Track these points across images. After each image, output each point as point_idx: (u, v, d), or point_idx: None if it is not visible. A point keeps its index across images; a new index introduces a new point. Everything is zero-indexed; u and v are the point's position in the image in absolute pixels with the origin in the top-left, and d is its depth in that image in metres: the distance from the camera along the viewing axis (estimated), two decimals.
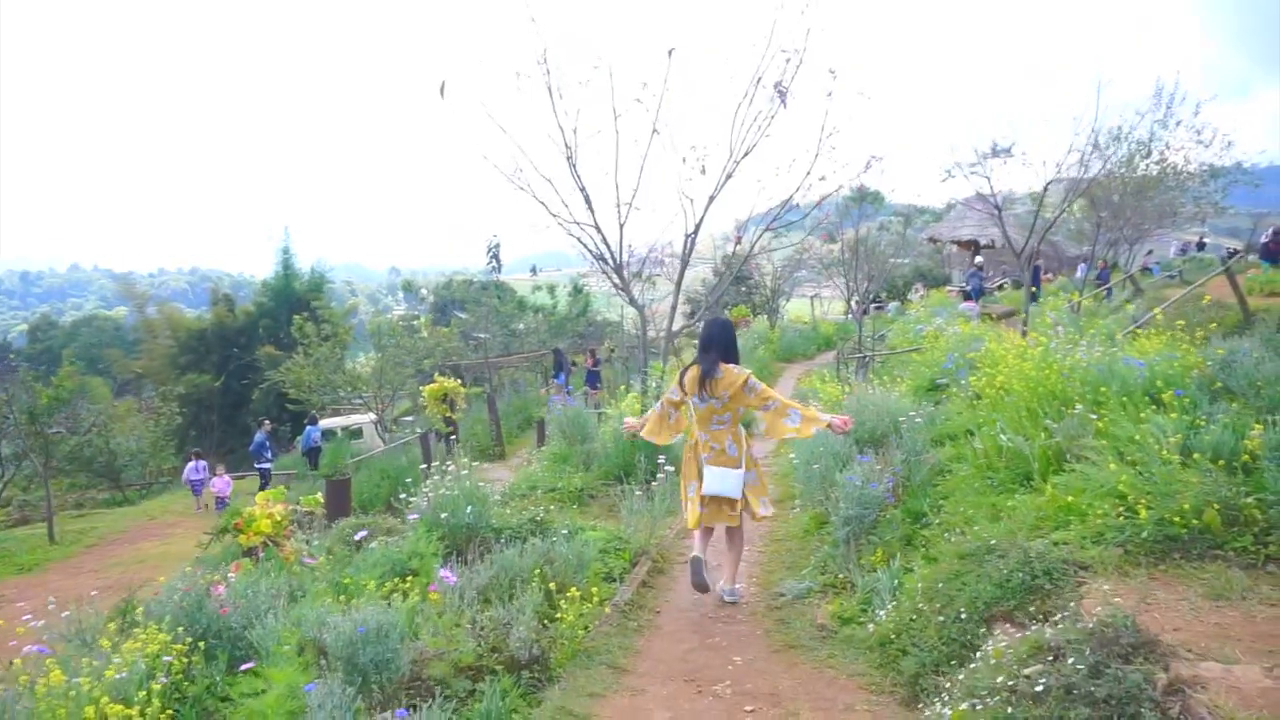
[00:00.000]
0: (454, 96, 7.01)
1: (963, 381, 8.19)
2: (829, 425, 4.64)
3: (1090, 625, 2.65)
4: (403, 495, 5.83)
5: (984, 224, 25.31)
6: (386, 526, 6.67)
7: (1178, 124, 18.55)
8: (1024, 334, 7.98)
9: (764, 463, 8.65)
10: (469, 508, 5.14)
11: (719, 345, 4.85)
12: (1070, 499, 3.81)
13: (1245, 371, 5.38)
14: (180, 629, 3.91)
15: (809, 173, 7.08)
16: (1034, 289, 18.46)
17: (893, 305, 25.51)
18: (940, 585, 3.73)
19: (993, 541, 3.78)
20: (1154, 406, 4.48)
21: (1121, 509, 3.68)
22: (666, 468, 5.83)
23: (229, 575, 4.84)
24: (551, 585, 4.30)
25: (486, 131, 6.87)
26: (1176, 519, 3.49)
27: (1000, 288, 25.28)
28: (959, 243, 27.24)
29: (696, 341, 5.34)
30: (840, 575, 4.81)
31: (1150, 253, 26.29)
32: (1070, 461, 4.37)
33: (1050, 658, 2.65)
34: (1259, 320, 9.53)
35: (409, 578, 4.57)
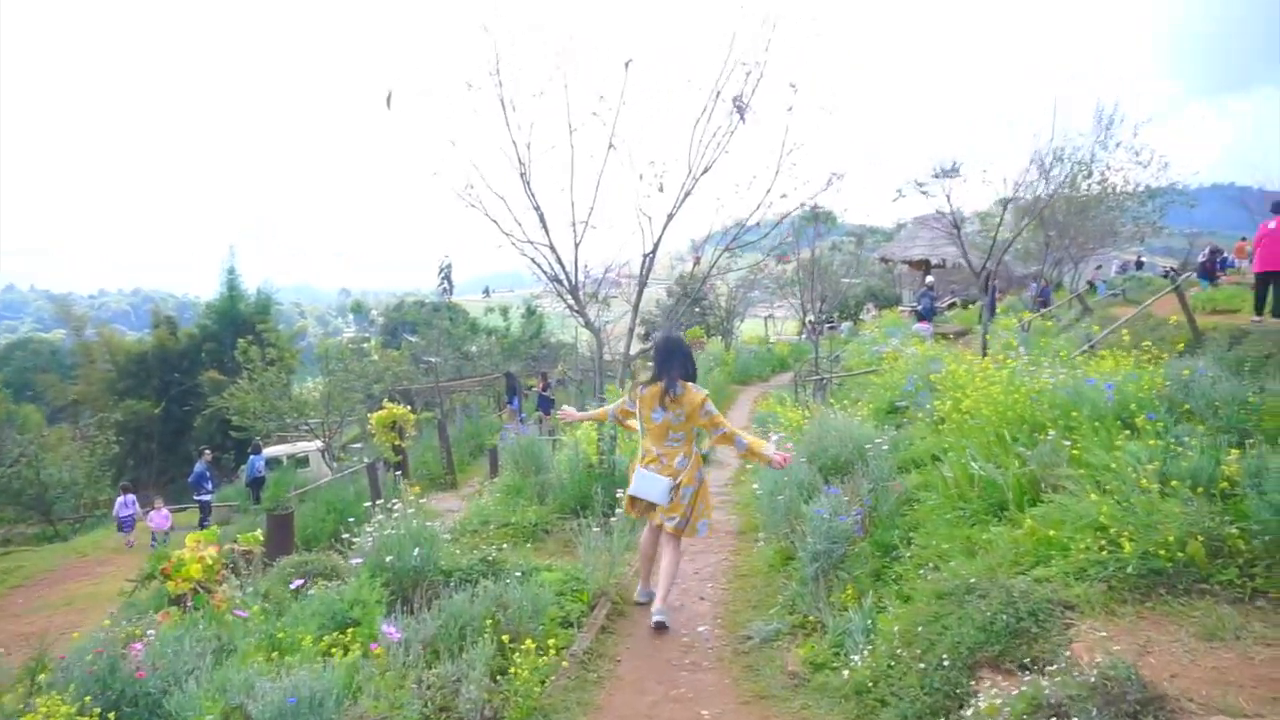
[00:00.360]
0: (402, 108, 6.72)
1: (925, 405, 8.09)
2: (770, 460, 4.82)
3: (1091, 679, 2.45)
4: (345, 535, 5.44)
5: (935, 243, 25.66)
6: (330, 565, 6.27)
7: (1117, 145, 19.12)
8: (984, 355, 7.89)
9: (725, 492, 8.44)
10: (415, 550, 4.80)
11: (679, 362, 4.88)
12: (1052, 533, 3.63)
13: (1203, 391, 5.34)
14: (88, 698, 3.50)
15: (770, 190, 6.92)
16: (1037, 309, 18.74)
17: (845, 325, 25.70)
18: (919, 628, 3.51)
19: (972, 580, 3.58)
20: (1126, 431, 4.35)
21: (1104, 542, 3.51)
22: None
23: (149, 632, 4.41)
24: (505, 638, 3.99)
25: (436, 146, 6.57)
26: (1161, 552, 3.33)
27: (950, 307, 25.60)
28: (910, 262, 27.57)
29: (650, 360, 5.31)
30: (810, 615, 4.58)
31: (1099, 268, 26.93)
32: (1046, 491, 4.21)
33: (1050, 716, 2.44)
34: (1208, 339, 9.64)
35: (350, 629, 4.21)
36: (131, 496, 18.19)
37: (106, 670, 3.71)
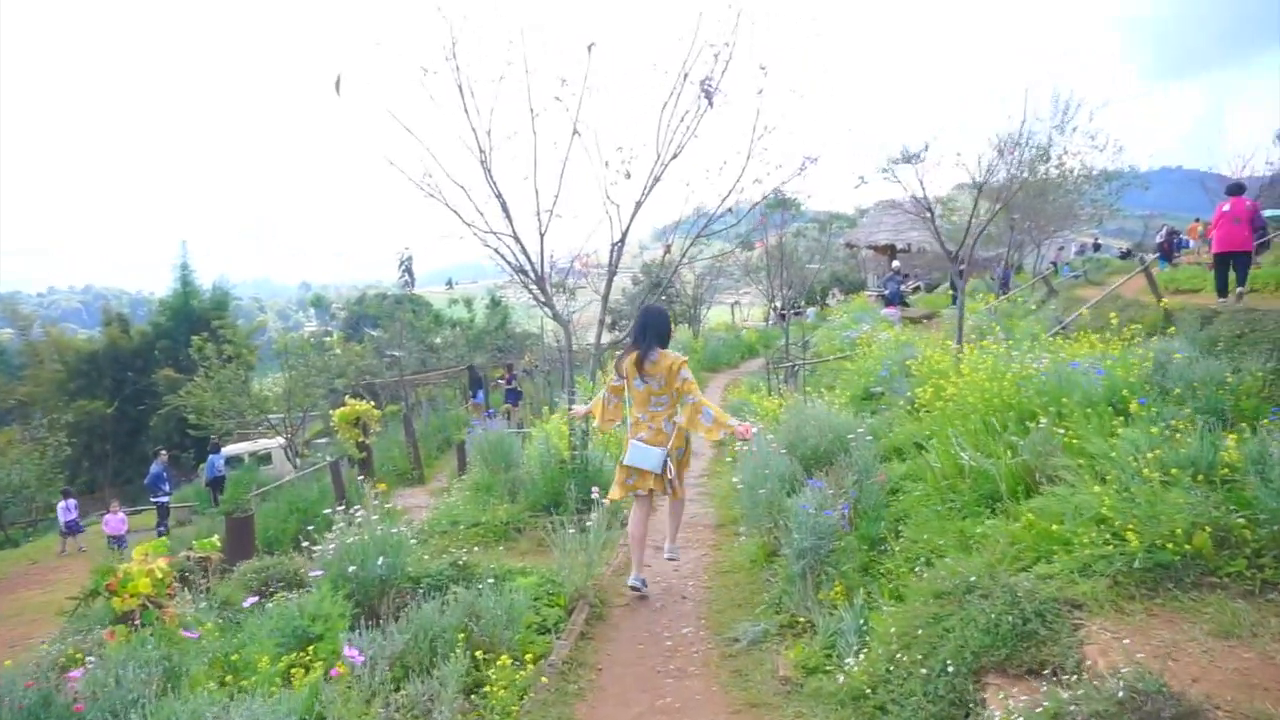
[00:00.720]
0: (355, 93, 6.38)
1: (902, 392, 7.96)
2: (734, 430, 4.94)
3: (1119, 693, 2.27)
4: (305, 544, 5.13)
5: (900, 228, 25.70)
6: (292, 571, 5.96)
7: (1074, 130, 19.23)
8: (959, 340, 7.78)
9: (702, 484, 8.24)
10: (380, 558, 4.52)
11: (654, 330, 5.15)
12: (1054, 527, 3.47)
13: (1179, 373, 5.25)
14: None
15: (741, 174, 6.69)
16: (998, 291, 18.80)
17: (811, 311, 25.63)
18: (918, 630, 3.33)
19: (972, 578, 3.40)
20: (1120, 417, 4.22)
21: (1109, 536, 3.36)
22: (603, 501, 5.33)
23: (89, 658, 4.08)
24: (478, 651, 3.74)
25: (392, 133, 6.23)
26: (1169, 545, 3.19)
27: (914, 291, 25.67)
28: (875, 247, 27.60)
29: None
30: (798, 614, 4.39)
31: (1062, 249, 27.21)
32: (1041, 482, 4.06)
33: None
34: (1177, 319, 9.65)
35: (311, 646, 3.93)
36: (73, 501, 17.56)
37: (40, 704, 3.39)
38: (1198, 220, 27.16)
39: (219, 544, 7.57)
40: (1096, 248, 34.12)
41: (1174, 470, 3.53)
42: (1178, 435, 3.84)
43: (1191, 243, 24.84)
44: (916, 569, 4.16)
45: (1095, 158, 20.29)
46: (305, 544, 5.08)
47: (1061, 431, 4.20)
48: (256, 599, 4.52)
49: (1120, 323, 6.80)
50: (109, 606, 5.52)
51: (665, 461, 5.04)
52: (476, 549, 5.93)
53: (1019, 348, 6.08)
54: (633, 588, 5.17)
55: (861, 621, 3.92)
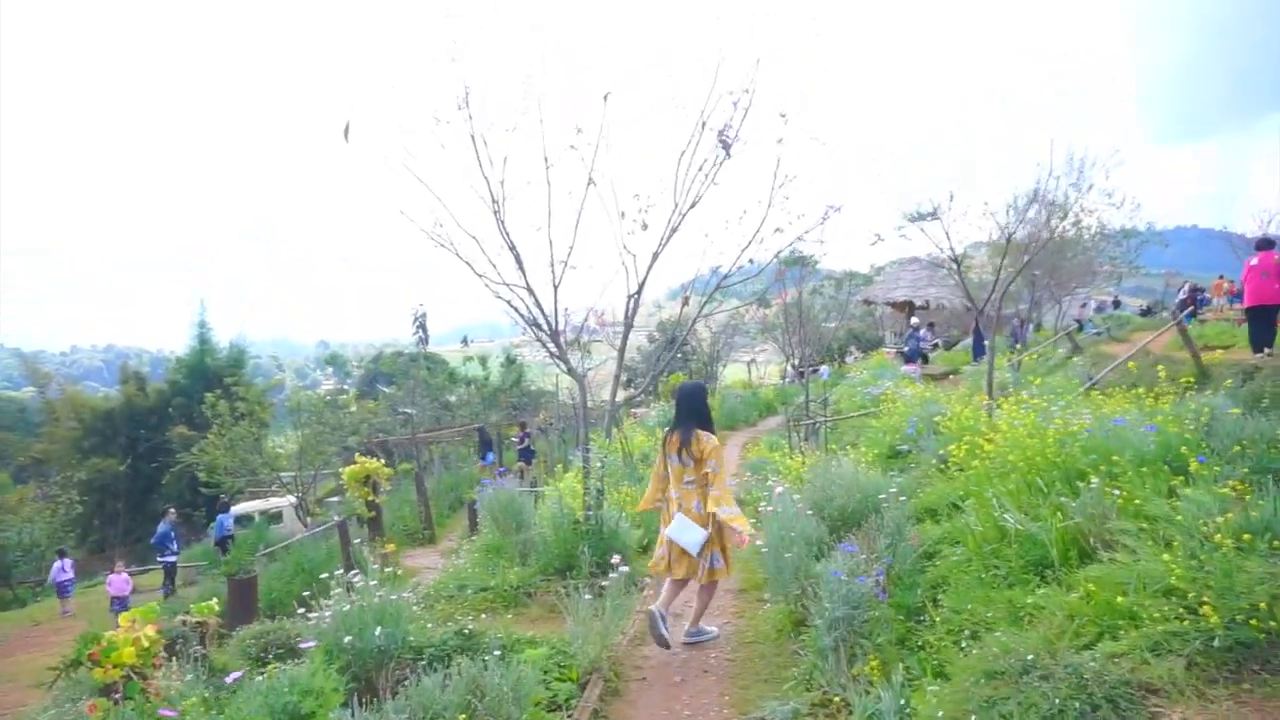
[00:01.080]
0: (367, 143, 6.28)
1: (930, 449, 7.63)
2: (735, 535, 4.99)
3: None
4: (300, 610, 4.81)
5: (918, 284, 25.52)
6: (292, 636, 5.64)
7: (1090, 187, 19.15)
8: (990, 396, 7.47)
9: None
10: (379, 629, 4.20)
11: (689, 410, 5.29)
12: (1120, 599, 3.12)
13: (1228, 430, 4.93)
14: None
15: (762, 224, 6.48)
16: (1012, 347, 18.49)
17: (825, 369, 25.29)
18: (971, 716, 2.98)
19: (1029, 656, 3.06)
20: (1179, 477, 3.90)
21: (1182, 610, 3.02)
22: (621, 568, 5.02)
23: None
24: None
25: (402, 181, 6.09)
26: (1252, 621, 2.85)
27: (935, 347, 25.32)
28: (893, 304, 27.38)
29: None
30: (831, 693, 4.02)
31: (1085, 306, 26.92)
32: (1097, 548, 3.72)
33: None
34: (1215, 375, 9.30)
35: None
36: (69, 561, 17.31)
37: None
38: (1222, 277, 26.89)
39: (217, 607, 7.27)
40: (1116, 305, 33.84)
41: (1246, 536, 3.20)
42: (1245, 498, 3.52)
43: (1217, 300, 24.52)
44: (961, 643, 3.80)
45: (1113, 215, 20.22)
46: (301, 610, 4.76)
47: (1116, 492, 3.87)
48: (241, 674, 4.18)
49: (1162, 378, 6.47)
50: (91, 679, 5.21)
51: (702, 546, 5.02)
52: (484, 616, 5.60)
53: (1056, 403, 5.76)
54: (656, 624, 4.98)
55: (902, 702, 3.56)
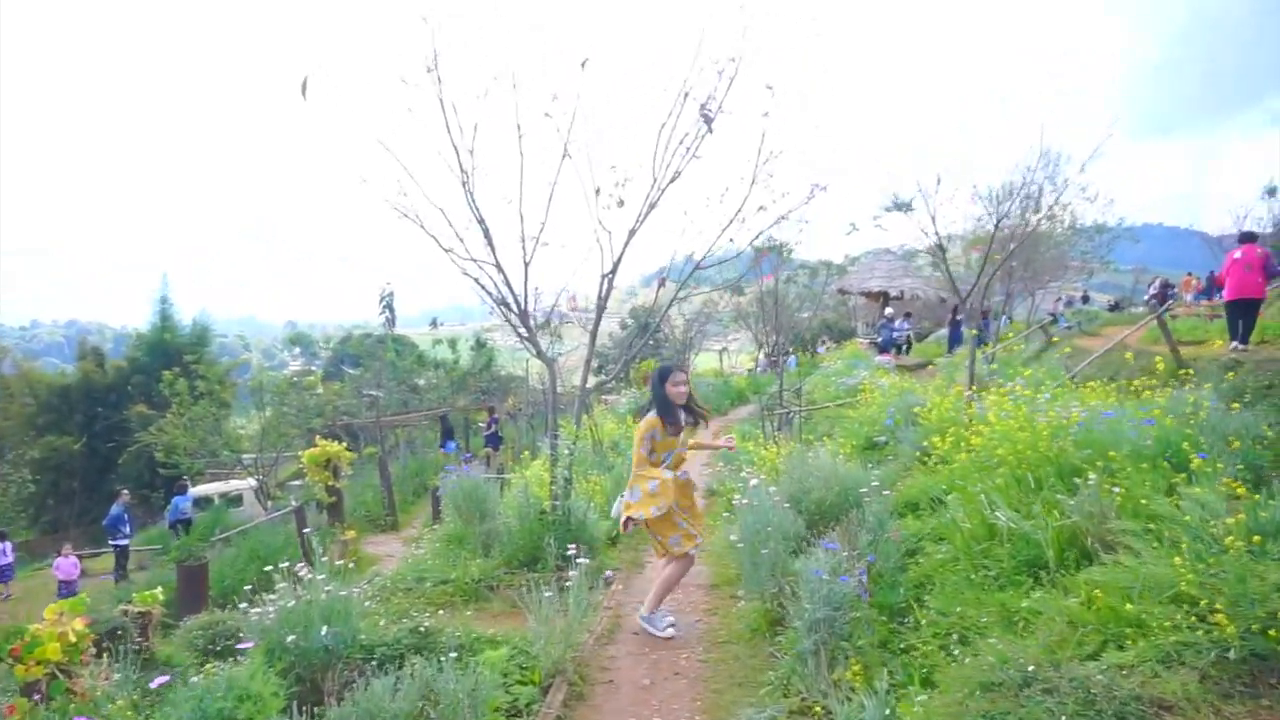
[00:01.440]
0: (328, 104, 5.87)
1: (909, 441, 7.43)
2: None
3: None
4: (243, 605, 4.45)
5: (893, 274, 25.45)
6: (238, 630, 5.28)
7: (1065, 181, 19.17)
8: (971, 386, 7.27)
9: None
10: (325, 627, 3.88)
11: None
12: (1127, 606, 2.89)
13: (1213, 425, 4.76)
14: None
15: (745, 201, 6.19)
16: (981, 338, 18.46)
17: (792, 359, 25.11)
18: None
19: (1029, 667, 2.82)
20: (1179, 474, 3.69)
21: (1194, 618, 2.79)
22: (580, 560, 4.73)
23: None
24: None
25: (367, 146, 5.71)
26: (1270, 631, 2.63)
27: (909, 340, 25.28)
28: (868, 294, 27.30)
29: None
30: (810, 699, 3.77)
31: (1059, 300, 27.09)
32: (1096, 549, 3.49)
33: None
34: (1196, 369, 9.20)
35: None
36: (9, 544, 16.69)
37: None
38: (1190, 274, 27.18)
39: (161, 596, 6.87)
40: (1085, 300, 34.17)
41: (1256, 538, 3.00)
42: (1246, 497, 3.32)
43: (1186, 296, 24.73)
44: (949, 648, 3.57)
45: (1086, 209, 20.26)
46: (243, 605, 4.41)
47: (1115, 490, 3.65)
48: (168, 678, 3.84)
49: (1137, 371, 6.31)
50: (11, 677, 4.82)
51: (619, 513, 5.07)
52: (442, 611, 5.29)
53: (1043, 395, 5.56)
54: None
55: (888, 711, 3.32)
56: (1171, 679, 2.63)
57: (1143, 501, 3.49)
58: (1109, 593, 3.05)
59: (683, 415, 5.09)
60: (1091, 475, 3.73)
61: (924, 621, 3.95)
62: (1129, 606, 2.89)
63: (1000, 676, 2.89)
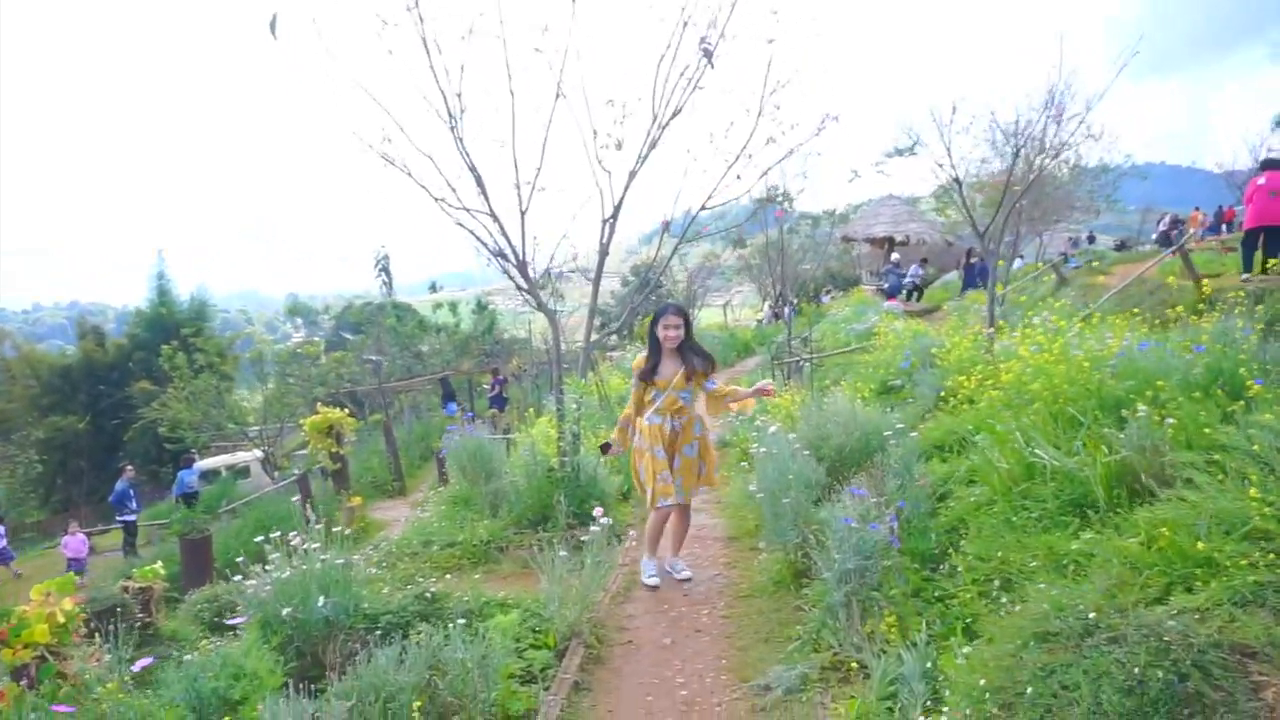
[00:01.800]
0: (302, 46, 5.51)
1: (924, 383, 7.16)
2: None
3: None
4: (236, 577, 4.22)
5: (899, 220, 24.97)
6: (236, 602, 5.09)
7: (1074, 119, 18.64)
8: (991, 326, 6.98)
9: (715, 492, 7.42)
10: (323, 598, 3.65)
11: None
12: (1200, 545, 2.63)
13: (1251, 354, 4.47)
14: None
15: (752, 134, 5.83)
16: (982, 282, 18.12)
17: (788, 310, 24.65)
18: (1027, 688, 2.50)
19: (1090, 614, 2.57)
20: (1237, 402, 3.41)
21: (1271, 555, 2.54)
22: (602, 519, 4.49)
23: None
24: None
25: (349, 93, 5.35)
26: None
27: (919, 285, 24.90)
28: (872, 240, 26.82)
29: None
30: (843, 654, 3.55)
31: (1071, 239, 26.69)
32: (1149, 485, 3.23)
33: None
34: (1222, 300, 8.91)
35: (227, 718, 3.07)
36: (1, 527, 16.67)
37: None
38: (1198, 210, 26.80)
39: (163, 571, 6.69)
40: (1091, 240, 33.74)
41: None
42: None
43: (1196, 231, 24.34)
44: (992, 595, 3.34)
45: (1091, 148, 19.80)
46: (236, 578, 4.18)
47: (1170, 421, 3.37)
48: (151, 660, 3.62)
49: (1159, 304, 6.01)
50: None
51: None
52: (450, 575, 5.07)
53: (1072, 327, 5.27)
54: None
55: (928, 664, 3.09)
56: (1251, 622, 2.37)
57: (1206, 430, 3.21)
58: (1174, 530, 2.79)
59: (688, 360, 4.86)
60: (1142, 407, 3.45)
61: (961, 568, 3.71)
62: (1199, 545, 2.63)
63: (1057, 625, 2.64)
